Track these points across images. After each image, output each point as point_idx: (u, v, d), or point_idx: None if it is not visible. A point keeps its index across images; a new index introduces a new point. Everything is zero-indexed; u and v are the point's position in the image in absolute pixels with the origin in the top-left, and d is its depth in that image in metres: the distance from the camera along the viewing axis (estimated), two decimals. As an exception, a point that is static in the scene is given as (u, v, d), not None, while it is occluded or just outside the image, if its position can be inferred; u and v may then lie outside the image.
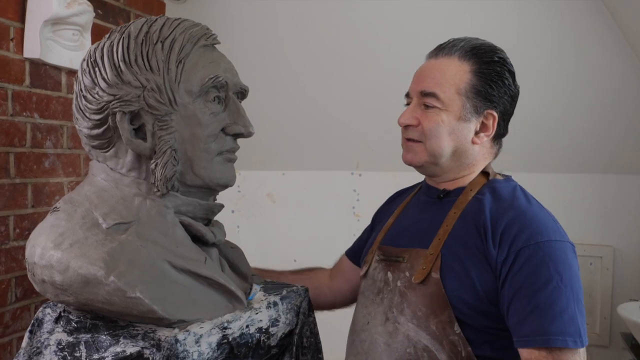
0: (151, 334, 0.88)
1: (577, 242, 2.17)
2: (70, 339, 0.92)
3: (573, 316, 0.95)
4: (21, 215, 1.64)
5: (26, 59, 1.64)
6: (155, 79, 0.94)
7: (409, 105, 1.12)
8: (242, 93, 1.05)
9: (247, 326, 0.97)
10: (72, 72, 1.79)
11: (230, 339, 0.93)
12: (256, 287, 1.08)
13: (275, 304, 1.04)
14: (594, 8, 1.95)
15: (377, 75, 2.22)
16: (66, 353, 0.91)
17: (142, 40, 0.95)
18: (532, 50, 2.05)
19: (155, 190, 0.96)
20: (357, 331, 1.14)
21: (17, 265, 1.64)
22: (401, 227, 1.17)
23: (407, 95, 1.14)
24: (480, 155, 1.12)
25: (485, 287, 1.00)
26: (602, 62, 2.03)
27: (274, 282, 1.16)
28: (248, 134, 1.01)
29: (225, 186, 1.02)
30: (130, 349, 0.87)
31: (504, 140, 2.19)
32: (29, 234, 1.65)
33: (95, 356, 0.88)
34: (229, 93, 1.00)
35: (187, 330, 0.87)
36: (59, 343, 0.93)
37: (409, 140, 1.11)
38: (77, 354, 0.90)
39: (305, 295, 1.11)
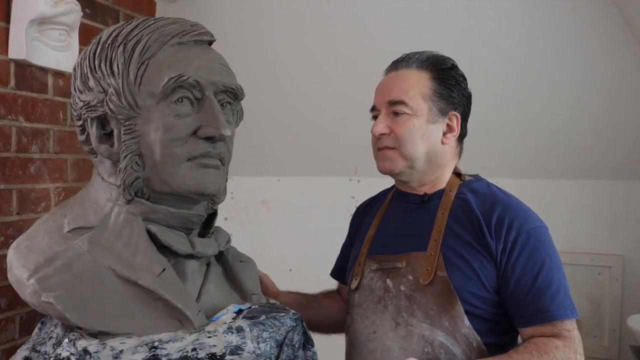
0: (76, 342, 0.89)
1: (585, 252, 2.24)
2: (62, 334, 0.97)
3: (566, 291, 1.14)
4: (6, 222, 1.66)
5: (11, 59, 1.66)
6: (116, 83, 0.97)
7: (377, 117, 1.25)
8: (232, 92, 1.03)
9: (193, 349, 0.92)
10: (58, 74, 1.82)
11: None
12: (229, 308, 1.02)
13: (239, 329, 0.97)
14: (602, 7, 1.98)
15: (376, 77, 2.24)
16: (55, 347, 0.96)
17: (109, 44, 0.99)
18: (536, 51, 2.08)
19: (122, 196, 0.99)
20: (362, 342, 1.21)
21: (1, 275, 1.65)
22: (387, 235, 1.27)
23: (373, 108, 1.28)
24: (449, 155, 1.26)
25: (487, 276, 1.15)
26: (610, 64, 2.06)
27: (271, 305, 1.10)
28: (220, 137, 0.98)
29: (200, 194, 1.00)
30: (65, 352, 0.90)
31: (509, 145, 2.21)
32: (14, 242, 1.67)
33: (52, 353, 0.92)
34: (205, 93, 0.98)
35: (104, 344, 0.87)
36: (57, 337, 0.98)
37: (382, 149, 1.23)
38: (58, 350, 0.94)
39: (294, 325, 1.04)
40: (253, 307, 1.06)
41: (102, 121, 1.01)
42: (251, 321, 0.99)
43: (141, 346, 0.89)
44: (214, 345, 0.93)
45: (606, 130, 2.16)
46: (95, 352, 0.86)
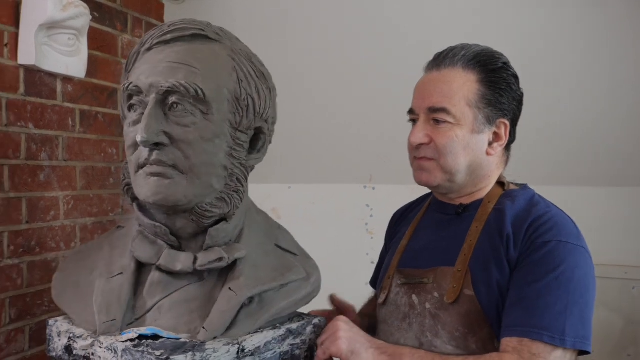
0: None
1: (616, 264, 2.27)
2: None
3: (560, 314, 1.03)
4: (15, 231, 1.75)
5: (21, 65, 1.76)
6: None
7: (415, 122, 1.20)
8: (175, 92, 0.99)
9: (92, 353, 1.04)
10: (67, 79, 1.92)
11: (74, 352, 1.07)
12: (141, 329, 1.04)
13: (115, 350, 1.01)
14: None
15: (391, 80, 2.29)
16: None
17: None
18: (558, 49, 2.13)
19: None
20: None
21: (11, 285, 1.75)
22: (418, 247, 1.26)
23: (411, 111, 1.22)
24: (494, 166, 1.22)
25: None
26: (638, 58, 2.08)
27: (185, 344, 1.01)
28: (140, 143, 0.99)
29: (149, 204, 1.04)
30: None
31: (533, 151, 2.23)
32: (24, 251, 1.77)
33: None
34: (151, 97, 1.00)
35: (55, 321, 1.12)
36: None
37: (420, 159, 1.20)
38: None
39: None
40: (182, 340, 1.03)
41: None
42: (128, 346, 1.00)
43: (65, 334, 1.08)
44: (99, 357, 1.04)
45: (636, 134, 2.18)
46: (49, 326, 1.12)
